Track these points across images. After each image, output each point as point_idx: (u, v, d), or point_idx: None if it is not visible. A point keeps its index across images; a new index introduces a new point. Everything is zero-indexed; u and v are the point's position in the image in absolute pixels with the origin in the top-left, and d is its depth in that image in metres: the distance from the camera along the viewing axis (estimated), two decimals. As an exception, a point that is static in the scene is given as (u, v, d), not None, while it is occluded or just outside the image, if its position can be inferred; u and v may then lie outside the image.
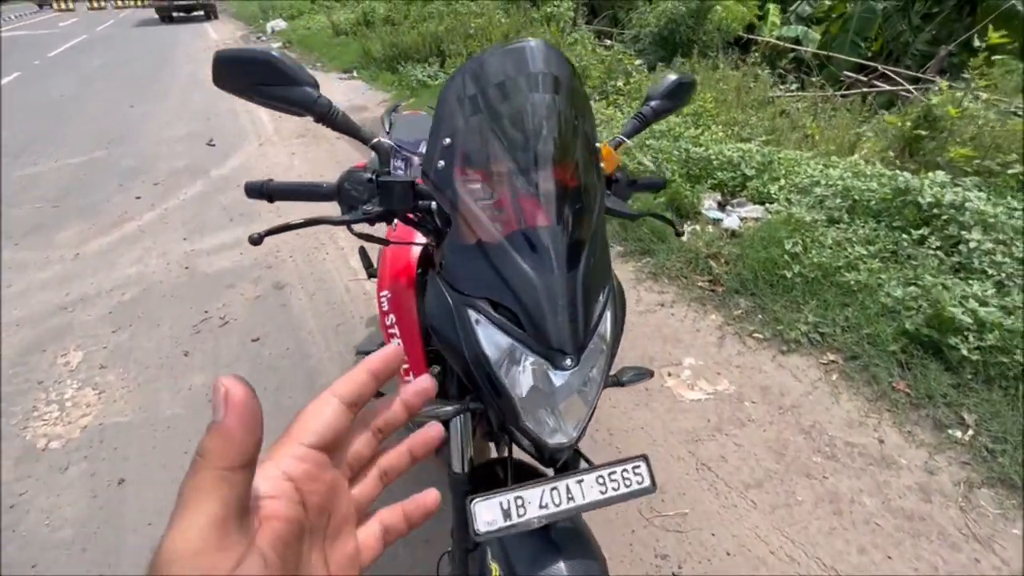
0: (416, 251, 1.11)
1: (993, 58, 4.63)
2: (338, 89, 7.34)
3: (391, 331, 1.04)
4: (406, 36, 7.98)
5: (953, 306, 2.10)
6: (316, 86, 0.82)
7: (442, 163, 0.79)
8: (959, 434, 1.87)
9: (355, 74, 8.15)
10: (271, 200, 0.91)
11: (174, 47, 11.92)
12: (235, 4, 20.25)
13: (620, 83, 5.46)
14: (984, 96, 3.49)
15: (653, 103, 1.04)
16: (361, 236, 0.94)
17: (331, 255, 3.21)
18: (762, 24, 7.89)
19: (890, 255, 2.63)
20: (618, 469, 0.87)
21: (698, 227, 3.15)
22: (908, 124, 3.46)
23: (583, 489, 0.84)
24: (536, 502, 0.81)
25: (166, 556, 0.21)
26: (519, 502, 0.81)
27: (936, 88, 4.08)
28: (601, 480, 0.86)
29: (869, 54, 7.10)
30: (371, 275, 1.95)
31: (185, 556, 0.21)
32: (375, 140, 0.87)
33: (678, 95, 1.06)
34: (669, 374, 2.20)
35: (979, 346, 2.03)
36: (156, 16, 18.43)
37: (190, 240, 3.39)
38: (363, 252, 2.03)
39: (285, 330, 2.54)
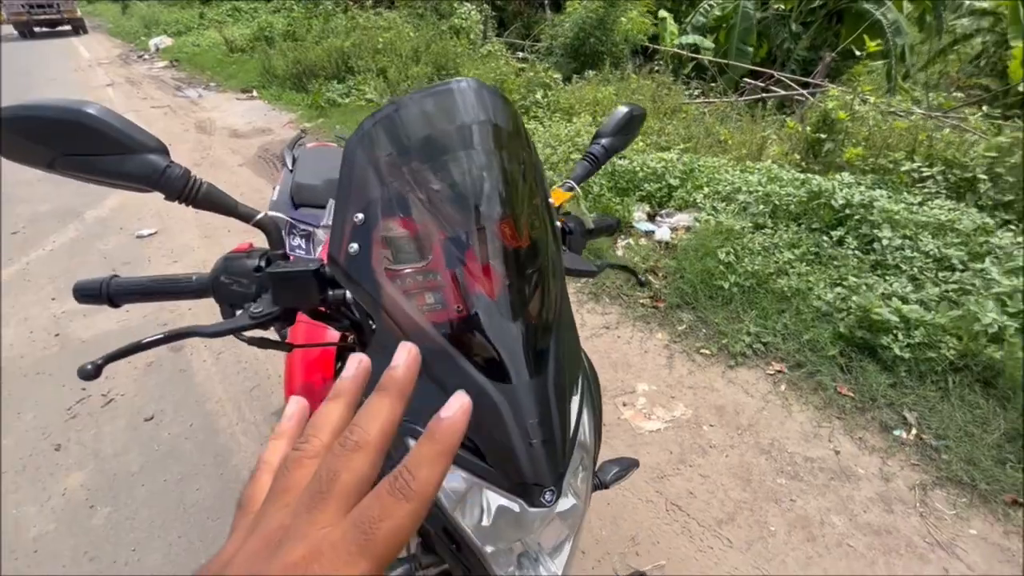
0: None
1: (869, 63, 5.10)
2: (237, 110, 6.75)
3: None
4: (310, 52, 7.52)
5: (879, 308, 2.17)
6: (164, 151, 0.58)
7: (355, 246, 0.59)
8: (904, 434, 1.91)
9: (255, 94, 7.56)
10: (115, 305, 0.66)
11: (37, 68, 10.50)
12: (110, 18, 18.33)
13: (539, 96, 5.43)
14: (871, 99, 3.77)
15: (604, 141, 0.90)
16: (254, 343, 0.71)
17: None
18: (662, 34, 8.27)
19: (814, 257, 2.72)
20: None
21: (631, 241, 3.11)
22: (809, 128, 3.66)
23: None
24: None
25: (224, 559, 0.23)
26: None
27: (824, 92, 4.39)
28: None
29: (758, 60, 7.66)
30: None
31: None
32: (259, 217, 0.65)
33: (629, 128, 0.92)
34: (624, 404, 2.10)
35: (909, 343, 2.10)
36: (14, 32, 16.21)
37: (60, 300, 2.86)
38: None
39: (186, 403, 2.16)
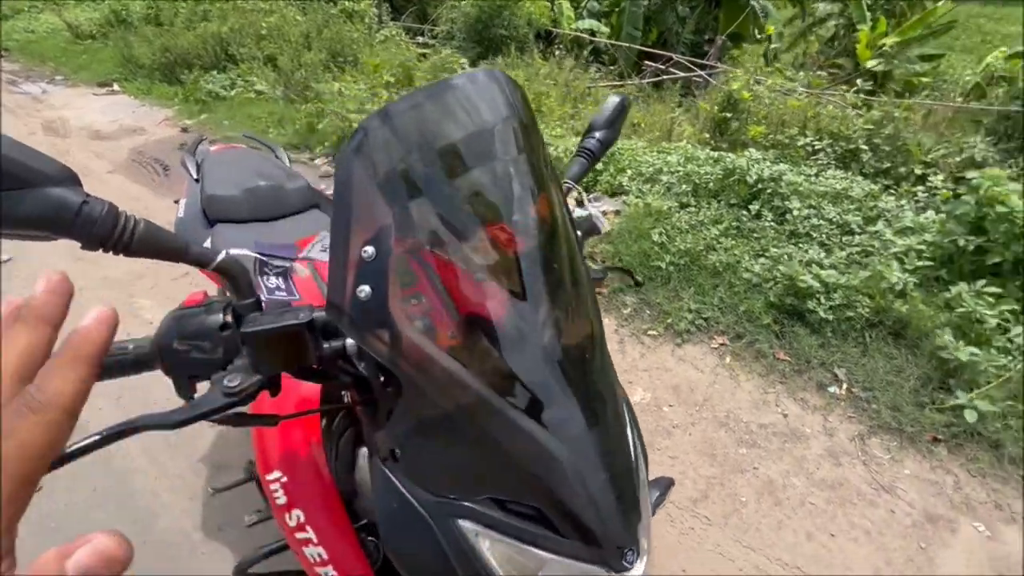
0: (307, 391, 0.72)
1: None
2: (95, 107, 5.82)
3: (301, 535, 0.66)
4: (181, 38, 6.66)
5: (803, 276, 2.34)
6: (74, 181, 0.41)
7: (365, 289, 0.46)
8: (837, 390, 2.07)
9: (117, 87, 6.57)
10: None
11: None
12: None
13: (448, 83, 5.24)
14: (768, 81, 4.06)
15: (598, 134, 0.82)
16: (227, 422, 0.55)
17: (133, 334, 2.42)
18: (559, 19, 8.36)
19: (736, 231, 2.87)
20: None
21: (566, 228, 3.09)
22: (716, 108, 3.86)
23: None
24: None
25: None
26: None
27: (723, 73, 4.68)
28: None
29: (650, 44, 8.02)
30: None
31: None
32: (220, 260, 0.48)
33: (619, 121, 0.85)
34: (586, 396, 2.08)
35: (830, 306, 2.29)
36: None
37: None
38: None
39: (82, 465, 1.80)
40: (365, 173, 0.47)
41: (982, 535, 1.59)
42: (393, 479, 0.50)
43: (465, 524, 0.48)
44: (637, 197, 3.14)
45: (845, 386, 2.08)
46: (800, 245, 2.70)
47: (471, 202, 0.49)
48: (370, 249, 0.46)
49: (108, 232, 0.41)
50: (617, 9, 8.92)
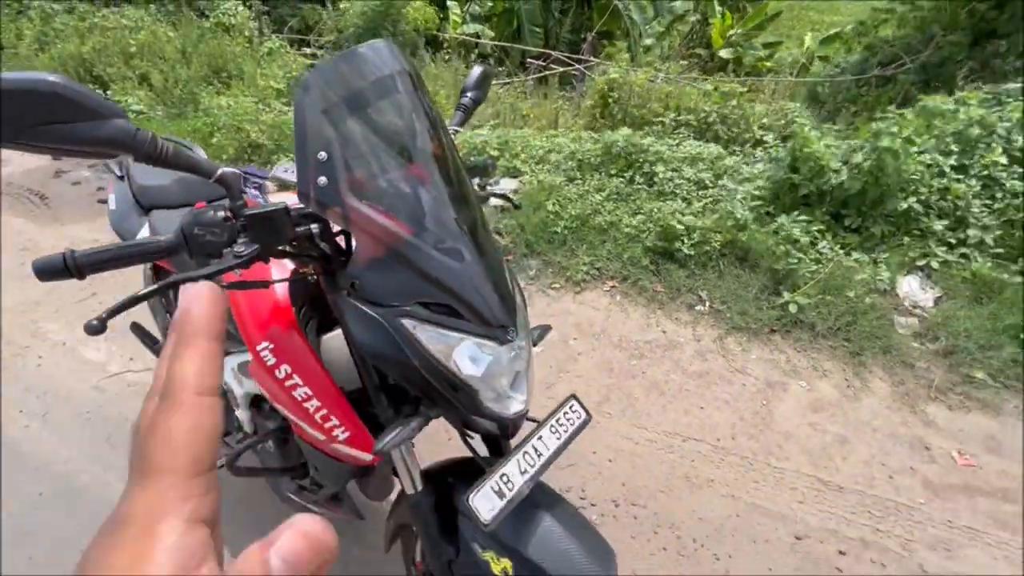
0: (280, 290, 0.97)
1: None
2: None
3: (289, 383, 0.90)
4: (34, 63, 6.14)
5: (673, 222, 2.84)
6: (123, 115, 0.64)
7: (323, 179, 0.73)
8: (702, 308, 2.57)
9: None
10: (82, 276, 0.69)
11: None
12: None
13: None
14: (640, 71, 4.65)
15: (470, 94, 1.13)
16: (234, 287, 0.79)
17: (46, 356, 2.40)
18: (445, 24, 8.71)
19: (616, 196, 3.35)
20: (560, 414, 0.98)
21: (472, 210, 3.41)
22: (596, 96, 4.38)
23: (545, 443, 0.92)
24: (516, 471, 0.86)
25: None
26: (504, 479, 0.85)
27: (595, 66, 5.25)
28: (553, 429, 0.95)
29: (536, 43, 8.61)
30: (157, 352, 1.58)
31: None
32: (219, 172, 0.73)
33: (485, 84, 1.17)
34: (504, 342, 2.40)
35: (692, 244, 2.80)
36: None
37: None
38: (138, 327, 1.61)
39: (23, 474, 1.83)
40: (312, 106, 0.74)
41: (804, 389, 2.12)
42: (355, 303, 0.77)
43: (406, 321, 0.76)
44: (531, 176, 3.53)
45: (708, 304, 2.59)
46: (666, 201, 3.22)
47: (386, 119, 0.77)
48: (323, 153, 0.73)
49: (153, 150, 0.65)
50: (496, 15, 9.42)
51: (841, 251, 2.70)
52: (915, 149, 2.83)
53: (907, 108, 3.35)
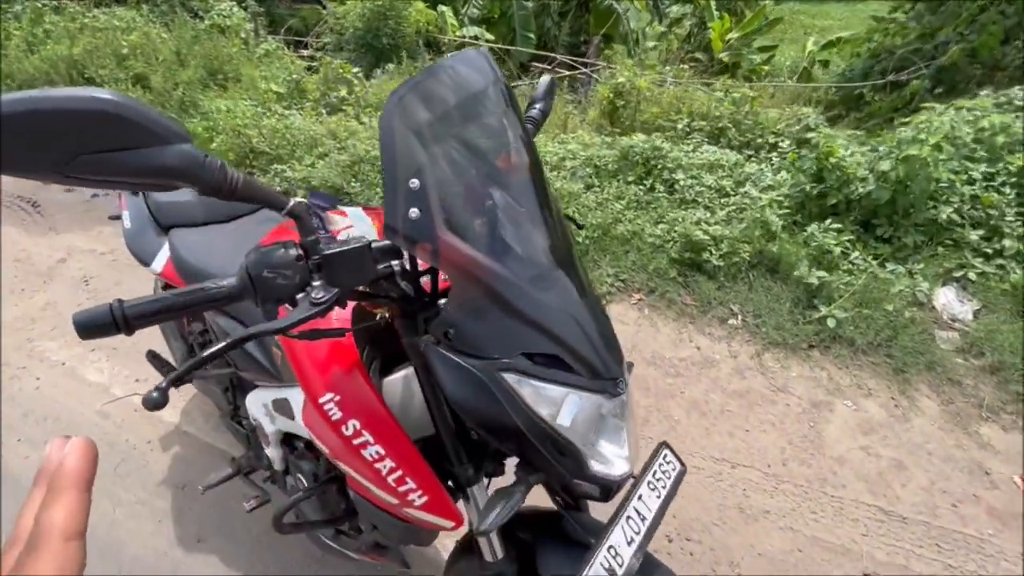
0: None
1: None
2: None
3: (358, 440, 0.79)
4: (24, 64, 5.95)
5: (697, 232, 2.75)
6: (189, 139, 0.52)
7: (415, 212, 0.62)
8: (735, 321, 2.48)
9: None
10: (130, 332, 0.57)
11: None
12: None
13: (344, 93, 5.23)
14: (646, 74, 4.57)
15: (539, 105, 1.03)
16: (305, 336, 0.67)
17: (45, 377, 2.25)
18: (444, 26, 8.60)
19: (636, 204, 3.26)
20: (655, 467, 0.87)
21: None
22: (605, 101, 4.29)
23: (646, 503, 0.82)
24: (623, 541, 0.76)
25: None
26: (612, 553, 0.74)
27: (601, 68, 5.16)
28: (652, 486, 0.85)
29: (533, 46, 8.54)
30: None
31: None
32: (291, 205, 0.61)
33: (551, 95, 1.07)
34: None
35: (720, 255, 2.71)
36: None
37: None
38: (155, 356, 1.48)
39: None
40: (402, 128, 0.62)
41: (850, 409, 2.03)
42: (449, 354, 0.66)
43: (508, 376, 0.65)
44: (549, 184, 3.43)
45: (740, 317, 2.50)
46: (689, 210, 3.13)
47: (482, 141, 0.66)
48: (415, 181, 0.62)
49: (222, 182, 0.53)
50: (495, 17, 9.34)
51: (874, 262, 2.63)
52: (943, 156, 2.77)
53: (915, 114, 3.29)
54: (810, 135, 3.56)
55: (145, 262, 1.36)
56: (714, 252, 2.72)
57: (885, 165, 2.71)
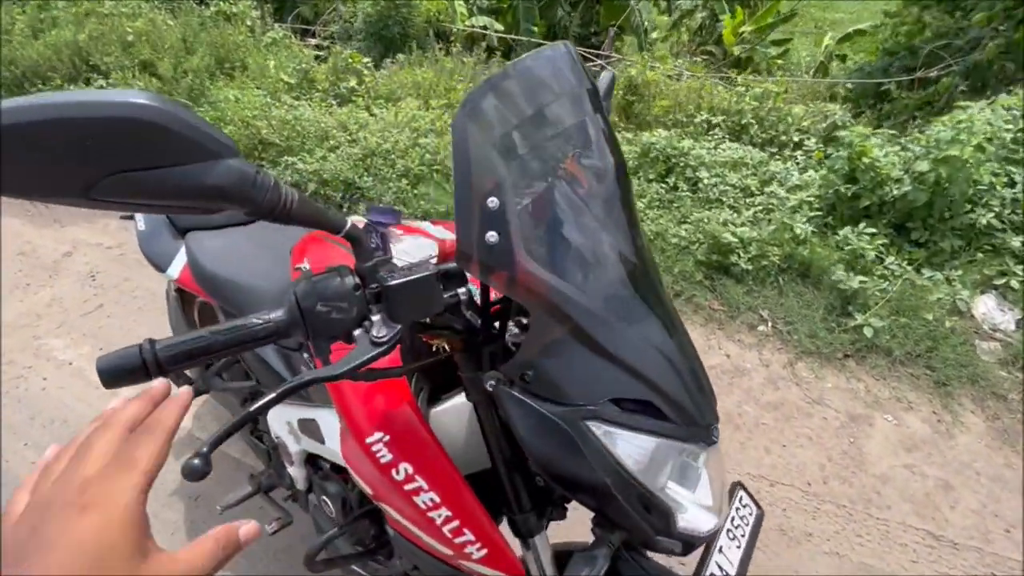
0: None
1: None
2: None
3: (410, 486, 0.70)
4: (28, 49, 5.84)
5: (724, 234, 2.65)
6: (238, 153, 0.43)
7: (493, 236, 0.53)
8: (765, 328, 2.39)
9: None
10: (165, 375, 0.48)
11: None
12: None
13: (354, 83, 5.11)
14: (661, 67, 4.44)
15: (603, 103, 0.93)
16: (361, 377, 0.58)
17: (51, 378, 2.18)
18: (454, 16, 8.45)
19: (659, 203, 3.16)
20: (732, 512, 0.79)
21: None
22: (621, 93, 4.17)
23: (727, 557, 0.73)
24: None
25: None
26: None
27: (616, 61, 5.03)
28: (731, 535, 0.76)
29: (541, 37, 8.39)
30: (198, 392, 1.37)
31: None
32: (348, 227, 0.52)
33: (612, 92, 0.97)
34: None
35: (749, 258, 2.61)
36: None
37: None
38: None
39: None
40: (479, 137, 0.53)
41: (891, 424, 1.95)
42: (525, 399, 0.58)
43: (593, 425, 0.57)
44: (566, 180, 3.32)
45: (771, 324, 2.41)
46: (713, 210, 3.03)
47: (565, 152, 0.57)
48: (494, 200, 0.53)
49: (275, 202, 0.44)
50: (505, 6, 9.18)
51: (909, 267, 2.53)
52: (983, 157, 2.65)
53: (943, 112, 3.17)
54: (838, 133, 3.44)
55: (160, 267, 1.27)
56: (742, 255, 2.62)
57: (923, 166, 2.60)
